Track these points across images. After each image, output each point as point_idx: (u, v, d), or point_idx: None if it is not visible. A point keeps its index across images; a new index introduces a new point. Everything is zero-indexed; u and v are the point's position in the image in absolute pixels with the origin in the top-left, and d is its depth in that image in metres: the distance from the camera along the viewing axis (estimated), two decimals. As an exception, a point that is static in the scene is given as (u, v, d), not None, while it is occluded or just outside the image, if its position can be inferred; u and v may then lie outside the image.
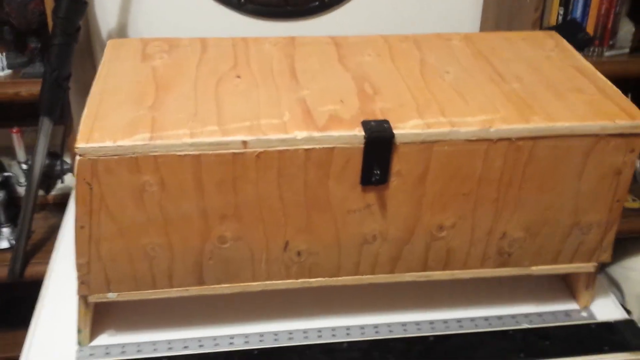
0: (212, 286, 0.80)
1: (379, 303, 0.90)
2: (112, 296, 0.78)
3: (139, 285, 0.77)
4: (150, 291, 0.78)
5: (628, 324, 0.93)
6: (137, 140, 0.65)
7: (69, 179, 1.29)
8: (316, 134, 0.67)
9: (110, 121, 0.67)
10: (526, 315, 0.93)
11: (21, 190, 1.35)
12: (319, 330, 0.87)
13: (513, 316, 0.93)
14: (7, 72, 1.23)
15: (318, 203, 0.73)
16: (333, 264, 0.80)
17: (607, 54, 1.34)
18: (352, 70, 0.80)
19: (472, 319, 0.92)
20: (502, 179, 0.74)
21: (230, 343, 0.82)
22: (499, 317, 0.93)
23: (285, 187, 0.71)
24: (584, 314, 0.94)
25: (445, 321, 0.91)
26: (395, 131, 0.68)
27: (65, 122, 1.11)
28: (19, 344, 1.46)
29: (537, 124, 0.71)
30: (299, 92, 0.75)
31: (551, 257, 0.85)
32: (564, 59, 0.85)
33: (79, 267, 0.74)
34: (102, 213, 0.69)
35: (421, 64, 0.82)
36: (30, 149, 1.20)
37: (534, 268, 0.86)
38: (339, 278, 0.82)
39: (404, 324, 0.90)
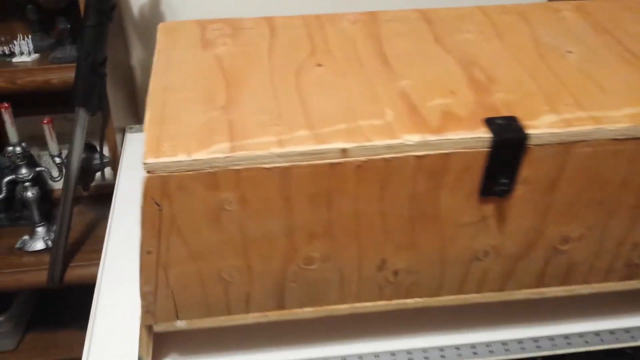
0: (294, 310, 0.69)
1: (468, 318, 0.78)
2: (181, 325, 0.67)
3: (211, 312, 0.66)
4: (224, 318, 0.67)
5: None
6: (215, 152, 0.53)
7: (108, 173, 1.18)
8: (431, 137, 0.55)
9: (179, 127, 0.55)
10: (596, 334, 0.81)
11: (54, 185, 1.24)
12: (409, 352, 0.76)
13: (627, 330, 0.81)
14: (35, 56, 1.11)
15: (424, 216, 0.61)
16: (434, 283, 0.69)
17: None
18: (454, 52, 0.66)
19: (581, 335, 0.80)
20: (647, 182, 0.61)
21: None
22: (611, 332, 0.81)
23: (388, 200, 0.58)
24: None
25: (551, 338, 0.80)
26: (528, 131, 0.55)
27: (103, 111, 0.99)
28: (57, 346, 1.38)
29: (700, 116, 0.57)
30: (397, 83, 0.61)
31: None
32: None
33: (144, 295, 0.63)
34: (172, 236, 0.58)
35: (535, 42, 0.68)
36: (62, 140, 1.09)
37: (662, 279, 0.74)
38: (440, 298, 0.71)
39: (504, 343, 0.79)
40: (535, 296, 0.72)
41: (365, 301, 0.69)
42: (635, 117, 0.57)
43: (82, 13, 0.90)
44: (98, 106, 0.95)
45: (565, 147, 0.57)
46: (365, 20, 0.72)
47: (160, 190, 0.54)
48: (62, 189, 1.00)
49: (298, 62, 0.65)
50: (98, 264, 0.85)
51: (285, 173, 0.55)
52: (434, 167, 0.56)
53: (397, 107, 0.58)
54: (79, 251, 1.18)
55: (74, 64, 0.93)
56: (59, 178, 1.08)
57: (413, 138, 0.54)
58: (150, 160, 0.52)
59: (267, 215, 0.58)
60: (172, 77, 0.62)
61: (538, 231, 0.64)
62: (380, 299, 0.69)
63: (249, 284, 0.64)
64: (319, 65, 0.64)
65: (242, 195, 0.56)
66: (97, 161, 1.03)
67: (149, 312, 0.65)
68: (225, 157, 0.53)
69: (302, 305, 0.69)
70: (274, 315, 0.69)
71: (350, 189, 0.57)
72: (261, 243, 0.60)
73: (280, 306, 0.68)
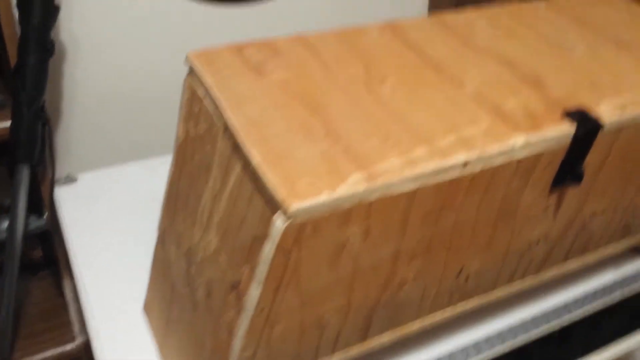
0: (376, 338, 0.65)
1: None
2: (269, 386, 0.59)
3: (300, 362, 0.60)
4: (311, 365, 0.61)
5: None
6: (353, 185, 0.48)
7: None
8: (533, 137, 0.56)
9: (300, 163, 0.49)
10: (621, 284, 0.93)
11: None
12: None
13: (612, 287, 0.92)
14: None
15: (507, 215, 0.62)
16: (492, 279, 0.71)
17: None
18: (490, 54, 0.69)
19: (575, 302, 0.89)
20: (658, 153, 0.70)
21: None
22: (594, 294, 0.91)
23: (484, 206, 0.59)
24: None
25: (555, 311, 0.87)
26: (602, 121, 0.60)
27: (44, 164, 0.82)
28: None
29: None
30: (464, 88, 0.62)
31: (656, 222, 0.85)
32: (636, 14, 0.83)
33: (241, 361, 0.55)
34: (291, 286, 0.51)
35: (545, 40, 0.74)
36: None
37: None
38: (493, 292, 0.73)
39: (523, 323, 0.84)
40: (562, 271, 0.78)
41: (436, 311, 0.69)
42: (661, 99, 0.65)
43: (16, 50, 0.74)
44: (40, 159, 0.79)
45: (616, 131, 0.63)
46: (390, 30, 0.71)
47: (295, 237, 0.47)
48: (6, 259, 0.81)
49: (360, 78, 0.62)
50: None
51: (411, 196, 0.52)
52: (528, 166, 0.58)
53: (486, 111, 0.59)
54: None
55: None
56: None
57: (519, 140, 0.55)
58: (295, 205, 0.45)
59: (382, 243, 0.54)
60: (250, 110, 0.54)
61: (578, 210, 0.70)
62: (448, 305, 0.69)
63: (343, 323, 0.60)
64: (383, 79, 0.62)
65: (367, 227, 0.51)
66: (37, 224, 0.85)
67: (241, 380, 0.56)
68: (364, 190, 0.48)
69: (383, 331, 0.66)
70: (357, 349, 0.65)
71: (458, 202, 0.56)
72: (367, 274, 0.56)
73: (364, 337, 0.64)
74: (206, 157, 0.58)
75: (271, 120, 0.53)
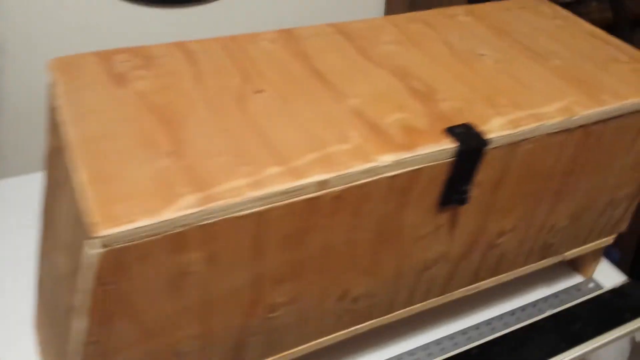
0: (253, 365, 0.61)
1: (396, 329, 0.78)
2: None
3: (162, 392, 0.56)
4: (177, 395, 0.57)
5: (633, 286, 0.93)
6: (183, 207, 0.44)
7: None
8: (404, 154, 0.52)
9: (129, 184, 0.45)
10: (545, 300, 0.89)
11: None
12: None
13: (534, 304, 0.88)
14: None
15: (388, 236, 0.58)
16: (388, 301, 0.67)
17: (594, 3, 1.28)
18: (385, 65, 0.64)
19: (500, 317, 0.85)
20: (566, 169, 0.66)
21: None
22: (523, 309, 0.87)
23: (358, 227, 0.55)
24: (591, 284, 0.92)
25: (477, 327, 0.83)
26: (486, 137, 0.56)
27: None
28: None
29: (610, 105, 0.63)
30: (346, 101, 0.58)
31: (584, 238, 0.81)
32: (572, 26, 0.78)
33: (82, 395, 0.50)
34: (124, 317, 0.47)
35: (449, 47, 0.69)
36: None
37: (567, 253, 0.81)
38: (392, 314, 0.69)
39: (438, 342, 0.81)
40: (472, 292, 0.74)
41: (324, 335, 0.65)
42: (565, 111, 0.61)
43: None
44: None
45: (512, 146, 0.58)
46: (285, 38, 0.67)
47: (115, 265, 0.43)
48: None
49: (234, 89, 0.57)
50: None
51: (259, 218, 0.47)
52: (404, 185, 0.54)
53: (358, 128, 0.54)
54: None
55: None
56: None
57: (388, 158, 0.51)
58: (106, 231, 0.41)
59: (235, 268, 0.50)
60: (93, 124, 0.50)
61: (481, 229, 0.65)
62: (339, 329, 0.65)
63: (207, 350, 0.56)
64: (259, 91, 0.57)
65: (210, 252, 0.47)
66: None
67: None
68: (196, 212, 0.44)
69: (260, 358, 0.61)
70: (232, 376, 0.61)
71: (324, 222, 0.52)
72: (223, 301, 0.52)
73: (239, 364, 0.60)
74: (60, 172, 0.54)
75: (114, 135, 0.49)
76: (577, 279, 0.93)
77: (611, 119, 0.64)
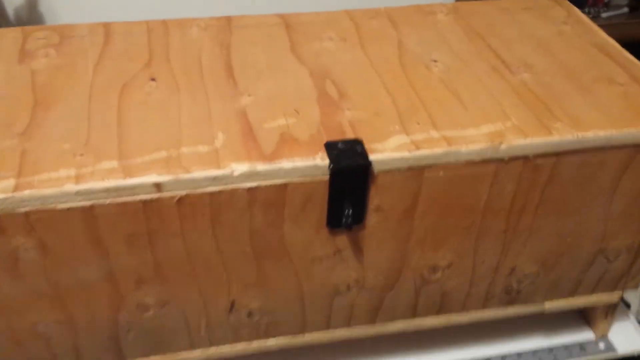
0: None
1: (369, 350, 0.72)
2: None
3: (35, 369, 0.57)
4: (51, 375, 0.58)
5: (654, 353, 0.77)
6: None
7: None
8: (261, 166, 0.47)
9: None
10: (534, 353, 0.77)
11: None
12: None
13: (519, 355, 0.77)
14: None
15: (271, 252, 0.53)
16: (296, 321, 0.61)
17: (604, 15, 1.16)
18: (310, 63, 0.59)
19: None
20: (514, 206, 0.56)
21: None
22: (502, 358, 0.76)
23: (223, 237, 0.51)
24: (602, 345, 0.78)
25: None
26: (372, 156, 0.49)
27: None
28: None
29: (562, 136, 0.52)
30: (238, 100, 0.54)
31: (568, 289, 0.68)
32: (581, 35, 0.66)
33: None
34: (-41, 291, 0.48)
35: (400, 50, 0.62)
36: None
37: (547, 304, 0.69)
38: (306, 335, 0.64)
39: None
40: (411, 327, 0.66)
41: (221, 344, 0.62)
42: (494, 136, 0.51)
43: None
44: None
45: (416, 172, 0.50)
46: (218, 26, 0.64)
47: None
48: None
49: (129, 75, 0.56)
50: None
51: (87, 214, 0.46)
52: (269, 199, 0.49)
53: (230, 130, 0.50)
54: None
55: None
56: None
57: (240, 168, 0.47)
58: None
59: (77, 261, 0.49)
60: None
61: (401, 260, 0.58)
62: (238, 340, 0.62)
63: (75, 337, 0.55)
64: (153, 79, 0.56)
65: (39, 240, 0.47)
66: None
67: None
68: (6, 198, 0.44)
69: (147, 355, 0.60)
70: (115, 367, 0.60)
71: (174, 227, 0.49)
72: (79, 292, 0.51)
73: (120, 357, 0.59)
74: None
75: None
76: (585, 336, 0.79)
77: (570, 152, 0.53)
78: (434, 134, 0.51)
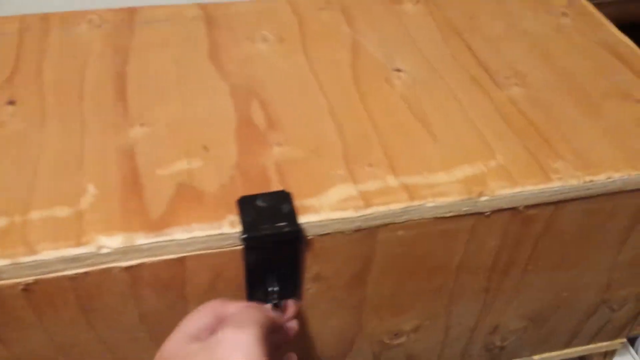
0: None
1: None
2: None
3: None
4: None
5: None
6: None
7: None
8: (143, 239, 0.33)
9: None
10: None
11: None
12: None
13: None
14: None
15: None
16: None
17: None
18: (233, 75, 0.45)
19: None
20: (498, 263, 0.43)
21: None
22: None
23: (102, 324, 0.37)
24: (598, 386, 0.66)
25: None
26: (304, 218, 0.35)
27: None
28: None
29: (564, 182, 0.38)
30: (126, 134, 0.39)
31: (563, 342, 0.56)
32: (586, 30, 0.52)
33: None
34: None
35: (354, 55, 0.48)
36: None
37: (536, 357, 0.57)
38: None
39: None
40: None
41: None
42: (471, 183, 0.38)
43: None
44: None
45: (367, 233, 0.37)
46: (116, 22, 0.49)
47: None
48: None
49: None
50: None
51: None
52: (161, 278, 0.35)
53: (106, 180, 0.36)
54: None
55: None
56: None
57: (111, 243, 0.33)
58: None
59: None
60: None
61: (355, 328, 0.45)
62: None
63: None
64: (11, 102, 0.41)
65: None
66: None
67: None
68: None
69: None
70: None
71: (29, 319, 0.35)
72: None
73: None
74: None
75: None
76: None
77: (573, 200, 0.40)
78: (391, 181, 0.37)
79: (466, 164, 0.39)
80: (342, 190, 0.37)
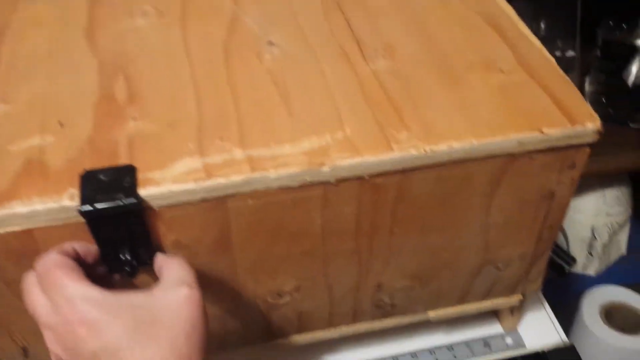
0: None
1: None
2: None
3: None
4: None
5: (566, 351, 0.69)
6: None
7: None
8: (-13, 211, 0.36)
9: None
10: (431, 352, 0.68)
11: None
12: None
13: (413, 354, 0.68)
14: None
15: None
16: None
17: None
18: (105, 52, 0.46)
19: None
20: (361, 227, 0.45)
21: None
22: (394, 358, 0.68)
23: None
24: (509, 340, 0.69)
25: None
26: (144, 190, 0.37)
27: None
28: None
29: (404, 152, 0.40)
30: (-5, 108, 0.41)
31: (456, 298, 0.59)
32: (471, 1, 0.53)
33: None
34: None
35: (230, 30, 0.49)
36: None
37: (431, 313, 0.60)
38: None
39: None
40: (268, 348, 0.57)
41: None
42: (313, 155, 0.40)
43: None
44: None
45: (215, 202, 0.39)
46: (6, -3, 0.51)
47: None
48: None
49: None
50: None
51: None
52: (14, 248, 0.38)
53: (-34, 155, 0.38)
54: None
55: None
56: None
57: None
58: None
59: None
60: None
61: (233, 293, 0.48)
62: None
63: None
64: None
65: None
66: None
67: None
68: None
69: None
70: None
71: None
72: None
73: None
74: None
75: None
76: (492, 330, 0.71)
77: (419, 169, 0.41)
78: (238, 153, 0.39)
79: (314, 135, 0.41)
80: (188, 164, 0.39)
